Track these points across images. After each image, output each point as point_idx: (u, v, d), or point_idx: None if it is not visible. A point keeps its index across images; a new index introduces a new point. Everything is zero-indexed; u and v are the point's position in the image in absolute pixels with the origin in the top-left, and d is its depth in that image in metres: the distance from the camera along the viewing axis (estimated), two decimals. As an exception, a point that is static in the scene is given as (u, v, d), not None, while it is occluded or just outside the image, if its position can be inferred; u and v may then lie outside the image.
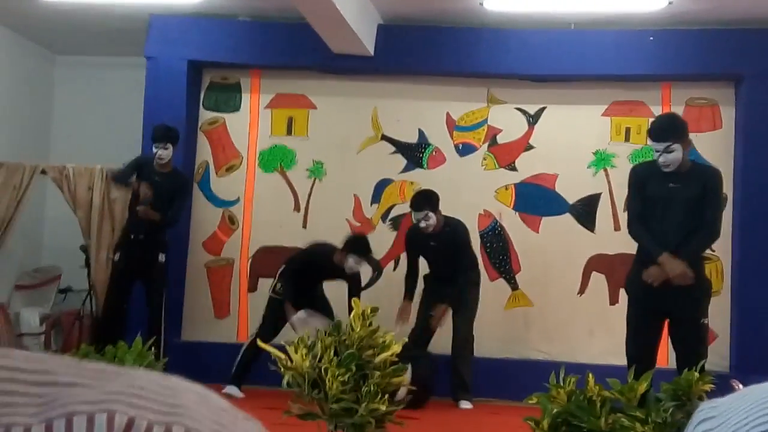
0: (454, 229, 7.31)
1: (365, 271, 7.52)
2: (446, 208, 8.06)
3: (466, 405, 7.15)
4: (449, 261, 7.23)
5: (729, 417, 0.62)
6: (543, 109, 8.11)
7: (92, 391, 0.50)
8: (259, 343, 4.91)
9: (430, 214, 7.12)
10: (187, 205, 7.78)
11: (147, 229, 7.35)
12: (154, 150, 7.34)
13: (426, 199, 7.23)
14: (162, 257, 7.40)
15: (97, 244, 8.08)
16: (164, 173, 7.41)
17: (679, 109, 7.81)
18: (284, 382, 4.35)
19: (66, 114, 9.59)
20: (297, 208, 8.25)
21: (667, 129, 5.36)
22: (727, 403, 0.64)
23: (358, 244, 7.23)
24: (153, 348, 4.94)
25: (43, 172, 8.32)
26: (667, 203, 5.37)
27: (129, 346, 4.73)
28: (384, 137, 8.27)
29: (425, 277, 7.45)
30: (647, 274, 5.30)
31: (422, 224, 7.13)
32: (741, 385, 4.54)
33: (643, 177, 5.52)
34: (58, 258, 9.01)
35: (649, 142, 5.51)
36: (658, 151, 5.32)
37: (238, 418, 0.54)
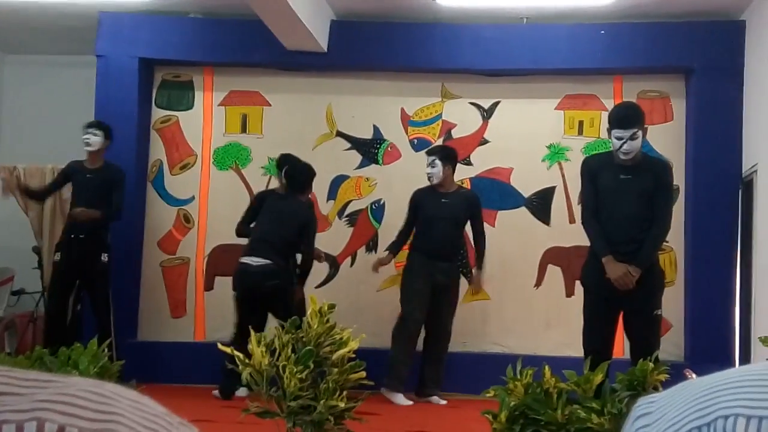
0: (468, 194, 7.40)
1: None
2: (402, 204, 8.07)
3: (441, 401, 7.15)
4: (455, 226, 7.16)
5: (666, 412, 0.63)
6: (497, 103, 8.15)
7: (22, 399, 0.49)
8: (219, 346, 4.87)
9: (437, 161, 7.11)
10: (124, 196, 7.47)
11: (87, 228, 7.24)
12: (84, 138, 7.31)
13: (440, 149, 7.42)
14: (105, 257, 7.30)
15: (50, 245, 7.98)
16: (95, 169, 7.36)
17: (631, 102, 7.90)
18: (242, 378, 4.33)
19: (16, 114, 9.47)
20: (253, 203, 8.20)
21: (633, 115, 5.39)
22: (664, 398, 0.65)
23: (283, 159, 7.32)
24: (106, 350, 4.89)
25: (-6, 172, 8.20)
26: (619, 195, 5.41)
27: (85, 347, 4.69)
28: (339, 133, 8.26)
29: (415, 252, 7.25)
30: (617, 283, 5.33)
31: (427, 170, 7.13)
32: (694, 375, 4.60)
33: (595, 169, 5.55)
34: (10, 260, 8.89)
35: (614, 131, 5.35)
36: (621, 139, 5.30)
37: (173, 424, 0.53)
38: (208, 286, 8.20)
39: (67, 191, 7.97)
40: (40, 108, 9.30)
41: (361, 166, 8.22)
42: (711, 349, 7.38)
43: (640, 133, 5.33)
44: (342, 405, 4.18)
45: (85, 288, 7.36)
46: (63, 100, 9.11)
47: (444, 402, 7.14)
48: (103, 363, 4.50)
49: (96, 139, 7.33)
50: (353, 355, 4.39)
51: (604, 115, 7.87)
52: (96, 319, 7.23)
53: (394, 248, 7.39)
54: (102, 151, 7.41)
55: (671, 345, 7.58)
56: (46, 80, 9.37)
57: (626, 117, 5.39)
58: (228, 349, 4.59)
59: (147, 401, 0.53)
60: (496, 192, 8.07)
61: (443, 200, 7.12)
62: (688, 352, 7.65)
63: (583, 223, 5.68)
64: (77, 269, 7.29)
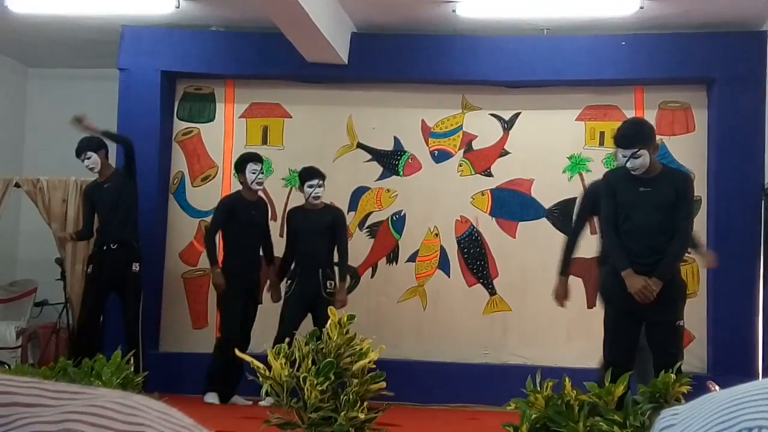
0: (675, 175, 5.67)
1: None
2: (422, 215, 8.10)
3: None
4: (664, 219, 5.36)
5: (689, 424, 0.63)
6: (517, 114, 8.15)
7: (52, 411, 0.50)
8: (238, 353, 4.89)
9: (642, 152, 5.27)
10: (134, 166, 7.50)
11: (118, 238, 7.31)
12: (85, 166, 7.41)
13: (637, 133, 5.38)
14: (136, 267, 7.35)
15: (73, 257, 8.03)
16: (108, 178, 7.43)
17: (652, 113, 7.88)
18: (262, 391, 4.34)
19: (39, 126, 9.54)
20: (274, 217, 8.22)
21: (633, 136, 5.36)
22: (687, 410, 0.65)
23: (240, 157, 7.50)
24: (131, 360, 4.92)
25: (17, 185, 8.26)
26: (639, 207, 5.40)
27: (107, 359, 4.72)
28: (359, 145, 8.27)
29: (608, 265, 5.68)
30: (638, 296, 5.31)
31: (629, 164, 5.30)
32: (717, 387, 4.57)
33: (614, 183, 5.54)
34: (33, 271, 8.95)
35: (617, 149, 5.46)
36: (624, 157, 5.34)
37: None
38: (230, 298, 8.21)
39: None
40: (63, 121, 9.32)
41: (382, 177, 8.23)
42: (734, 361, 7.32)
43: (642, 151, 5.30)
44: (362, 416, 4.19)
45: (118, 297, 7.40)
46: (86, 113, 9.16)
47: None
48: (126, 374, 4.53)
49: (93, 160, 7.40)
50: (373, 366, 4.40)
51: (625, 126, 7.87)
52: (125, 328, 7.25)
53: (565, 267, 6.16)
54: (105, 163, 7.48)
55: (694, 357, 7.53)
56: (68, 93, 9.42)
57: (625, 137, 5.36)
58: (245, 355, 4.63)
59: (175, 413, 0.54)
60: (516, 203, 8.06)
61: (641, 189, 5.45)
62: (711, 364, 7.59)
63: (601, 236, 5.67)
64: (110, 280, 7.33)
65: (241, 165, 7.45)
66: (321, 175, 7.35)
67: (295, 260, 7.35)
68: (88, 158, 7.38)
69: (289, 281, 7.31)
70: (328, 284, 7.25)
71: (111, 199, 7.34)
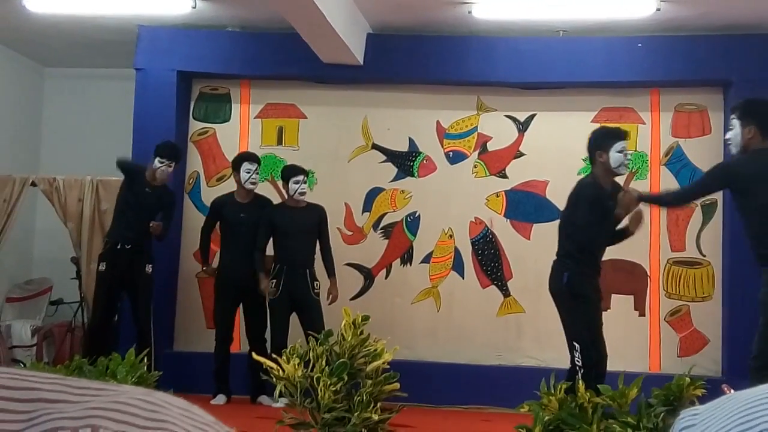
0: None
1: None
2: (437, 216, 8.09)
3: None
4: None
5: (709, 424, 0.63)
6: (533, 116, 8.13)
7: (76, 406, 0.51)
8: (254, 355, 4.91)
9: (735, 120, 5.45)
10: (172, 222, 7.66)
11: (134, 238, 7.31)
12: (157, 164, 7.31)
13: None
14: (149, 268, 7.37)
15: (88, 256, 8.06)
16: (156, 186, 7.42)
17: (668, 115, 7.87)
18: (276, 392, 4.35)
19: (56, 126, 9.59)
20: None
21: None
22: (707, 410, 0.65)
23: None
24: (145, 360, 4.94)
25: (33, 184, 8.30)
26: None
27: (122, 357, 4.74)
28: (374, 146, 8.27)
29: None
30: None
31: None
32: (732, 390, 4.55)
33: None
34: (49, 270, 9.01)
35: (620, 143, 5.84)
36: (623, 150, 5.75)
37: None
38: (244, 298, 8.22)
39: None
40: (79, 120, 9.41)
41: (397, 178, 8.23)
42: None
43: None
44: (376, 417, 4.19)
45: (129, 298, 7.41)
46: (102, 113, 9.22)
47: None
48: (140, 373, 4.54)
49: (170, 171, 7.40)
50: (387, 367, 4.40)
51: (642, 128, 7.87)
52: (136, 329, 7.27)
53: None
54: (167, 176, 7.49)
55: (709, 360, 7.51)
56: (85, 93, 9.48)
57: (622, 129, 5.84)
58: (259, 357, 4.63)
59: (196, 410, 0.54)
60: (531, 205, 8.05)
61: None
62: (725, 367, 7.56)
63: (585, 233, 5.87)
64: (122, 279, 7.34)
65: (236, 164, 7.48)
66: (305, 172, 7.42)
67: (279, 259, 7.29)
68: (170, 167, 7.37)
69: (273, 281, 7.23)
70: (315, 285, 7.25)
71: (147, 206, 7.32)
